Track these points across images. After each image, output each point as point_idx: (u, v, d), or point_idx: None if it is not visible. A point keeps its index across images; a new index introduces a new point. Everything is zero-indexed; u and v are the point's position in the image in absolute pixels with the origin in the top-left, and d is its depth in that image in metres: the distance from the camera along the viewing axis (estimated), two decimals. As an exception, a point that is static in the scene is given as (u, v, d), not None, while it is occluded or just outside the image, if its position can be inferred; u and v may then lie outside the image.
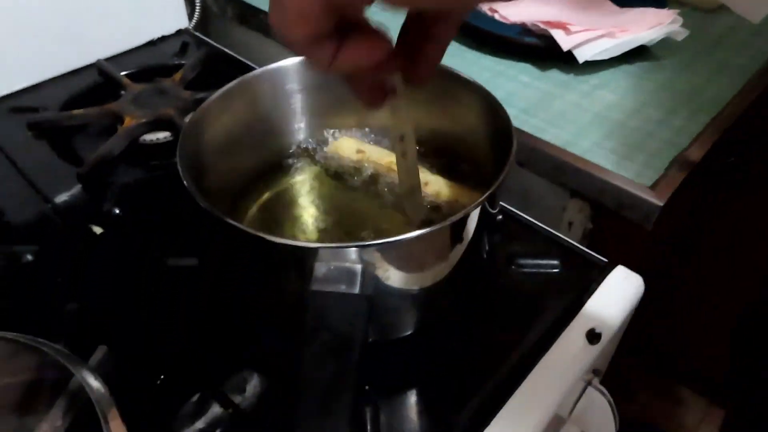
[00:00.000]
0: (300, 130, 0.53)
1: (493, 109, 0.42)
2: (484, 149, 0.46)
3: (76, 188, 0.58)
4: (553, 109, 0.65)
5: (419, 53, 0.27)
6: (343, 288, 0.31)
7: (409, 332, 0.40)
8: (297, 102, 0.51)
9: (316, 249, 0.31)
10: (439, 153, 0.51)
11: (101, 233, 0.53)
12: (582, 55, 0.68)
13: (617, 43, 0.68)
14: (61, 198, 0.56)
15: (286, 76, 0.50)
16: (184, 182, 0.36)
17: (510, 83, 0.69)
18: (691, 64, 0.72)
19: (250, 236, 0.32)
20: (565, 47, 0.68)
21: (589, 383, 0.46)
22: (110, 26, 0.76)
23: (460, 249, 0.37)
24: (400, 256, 0.34)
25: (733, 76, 0.70)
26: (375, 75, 0.27)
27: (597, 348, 0.43)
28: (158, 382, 0.41)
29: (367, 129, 0.54)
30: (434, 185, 0.45)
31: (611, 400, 0.46)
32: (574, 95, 0.67)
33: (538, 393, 0.40)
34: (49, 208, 0.56)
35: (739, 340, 0.94)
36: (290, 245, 0.31)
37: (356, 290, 0.31)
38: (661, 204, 0.52)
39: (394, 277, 0.34)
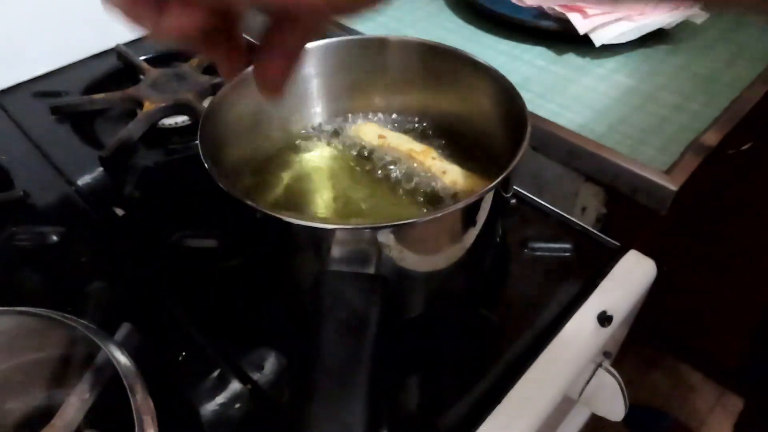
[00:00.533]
0: (317, 113, 0.54)
1: (508, 94, 0.43)
2: (500, 134, 0.46)
3: (98, 171, 0.59)
4: (569, 93, 0.65)
5: (267, 56, 0.27)
6: (358, 268, 0.32)
7: (421, 312, 0.41)
8: (314, 86, 0.52)
9: (333, 230, 0.32)
10: (455, 138, 0.51)
11: (123, 215, 0.54)
12: (599, 39, 0.67)
13: (635, 26, 0.67)
14: (84, 180, 0.58)
15: (303, 61, 0.50)
16: (205, 164, 0.37)
17: (526, 67, 0.69)
18: (710, 48, 0.71)
19: (269, 217, 0.33)
20: (581, 31, 0.67)
21: (599, 365, 0.47)
22: (129, 11, 0.76)
23: (473, 232, 0.38)
24: (414, 238, 0.34)
25: (753, 60, 0.69)
26: (208, 47, 0.27)
27: (608, 330, 0.44)
28: (180, 358, 0.42)
29: (380, 115, 0.54)
30: (451, 174, 0.46)
31: (621, 381, 0.47)
32: (590, 79, 0.67)
33: (549, 374, 0.41)
34: (73, 190, 0.57)
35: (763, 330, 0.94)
36: (308, 226, 0.32)
37: (371, 270, 0.32)
38: (675, 189, 0.52)
39: (408, 258, 0.35)
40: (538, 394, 0.40)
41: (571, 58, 0.70)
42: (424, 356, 0.42)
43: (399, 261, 0.35)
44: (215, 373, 0.42)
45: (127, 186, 0.56)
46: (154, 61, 0.74)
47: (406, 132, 0.52)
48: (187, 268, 0.49)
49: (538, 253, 0.49)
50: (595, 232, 0.51)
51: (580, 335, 0.43)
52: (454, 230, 0.36)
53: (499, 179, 0.34)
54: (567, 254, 0.49)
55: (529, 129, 0.38)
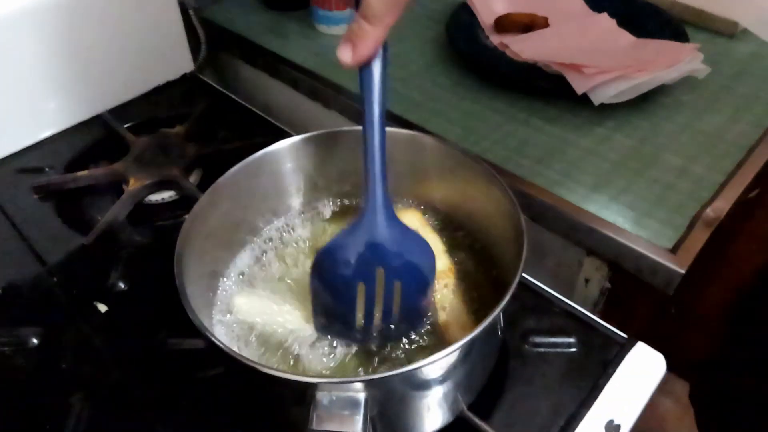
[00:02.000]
0: (298, 204, 0.52)
1: (507, 206, 0.41)
2: (497, 233, 0.44)
3: (81, 258, 0.57)
4: (568, 157, 0.62)
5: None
6: (345, 427, 0.29)
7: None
8: (293, 179, 0.50)
9: (315, 384, 0.30)
10: (451, 227, 0.49)
11: (106, 311, 0.52)
12: (597, 98, 0.65)
13: (634, 84, 0.65)
14: (66, 271, 0.56)
15: (280, 159, 0.48)
16: (185, 307, 0.35)
17: (522, 129, 0.66)
18: (713, 102, 0.68)
19: (249, 367, 0.31)
20: (579, 90, 0.65)
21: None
22: (115, 76, 0.75)
23: (469, 359, 0.35)
24: (407, 383, 0.32)
25: (758, 114, 0.66)
26: None
27: (616, 441, 0.42)
28: (164, 485, 0.40)
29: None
30: (449, 315, 0.43)
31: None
32: (589, 141, 0.64)
33: (555, 498, 0.38)
34: (54, 281, 0.55)
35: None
36: (290, 379, 0.30)
37: (359, 428, 0.29)
38: (682, 271, 0.50)
39: (402, 402, 0.33)
40: None
41: (569, 118, 0.67)
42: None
43: (390, 407, 0.32)
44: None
45: (111, 277, 0.54)
46: (139, 128, 0.73)
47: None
48: (172, 377, 0.47)
49: (539, 350, 0.47)
50: (601, 322, 0.49)
51: (587, 450, 0.41)
52: (449, 366, 0.34)
53: (492, 315, 0.32)
54: (571, 350, 0.47)
55: (524, 252, 0.36)
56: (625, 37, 0.76)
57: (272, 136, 0.68)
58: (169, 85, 0.80)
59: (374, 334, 0.40)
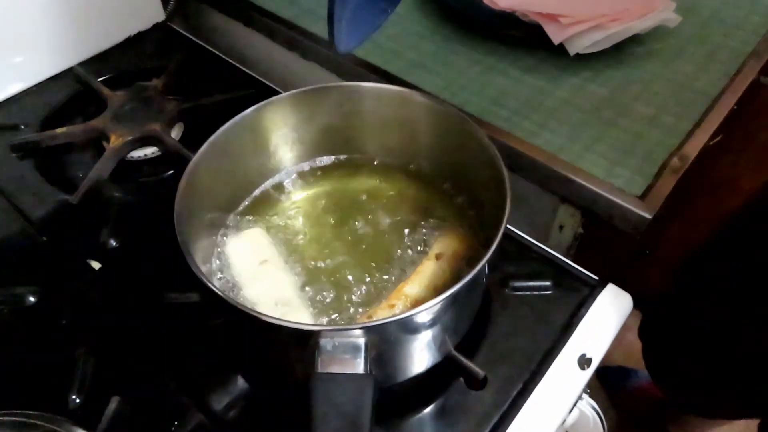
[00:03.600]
0: (291, 159, 0.53)
1: (493, 164, 0.42)
2: (483, 189, 0.46)
3: (69, 217, 0.57)
4: (544, 107, 0.64)
5: None
6: (348, 368, 0.32)
7: (410, 376, 0.42)
8: (284, 136, 0.51)
9: (318, 331, 0.32)
10: (443, 180, 0.51)
11: (100, 268, 0.53)
12: (573, 49, 0.67)
13: (608, 34, 0.66)
14: (56, 229, 0.56)
15: (270, 116, 0.49)
16: (188, 259, 0.36)
17: (500, 78, 0.68)
18: (683, 51, 0.70)
19: (254, 318, 0.33)
20: (556, 41, 0.66)
21: (579, 398, 0.49)
22: (83, 28, 0.72)
23: (461, 303, 0.38)
24: (402, 328, 0.35)
25: (725, 61, 0.69)
26: None
27: (588, 372, 0.46)
28: (173, 429, 0.43)
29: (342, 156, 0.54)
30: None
31: (599, 411, 0.50)
32: (564, 91, 0.66)
33: (535, 425, 0.42)
34: (44, 240, 0.56)
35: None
36: (293, 328, 0.32)
37: (361, 369, 0.32)
38: (650, 217, 0.53)
39: (396, 343, 0.35)
40: (523, 447, 0.41)
41: (546, 67, 0.69)
42: (412, 414, 0.43)
43: (387, 349, 0.35)
44: (210, 443, 0.42)
45: (102, 234, 0.55)
46: (114, 82, 0.71)
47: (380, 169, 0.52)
48: (172, 329, 0.49)
49: (518, 293, 0.50)
50: (574, 266, 0.52)
51: (563, 381, 0.45)
52: (440, 311, 0.36)
53: (480, 265, 0.34)
54: (547, 292, 0.50)
55: (508, 208, 0.38)
56: (601, -15, 0.77)
57: (251, 88, 0.69)
58: (140, 36, 0.78)
59: None
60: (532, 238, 0.62)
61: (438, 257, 0.43)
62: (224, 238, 0.49)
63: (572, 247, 0.64)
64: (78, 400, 0.44)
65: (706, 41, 0.72)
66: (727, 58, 0.69)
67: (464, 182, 0.49)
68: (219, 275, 0.47)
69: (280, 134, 0.50)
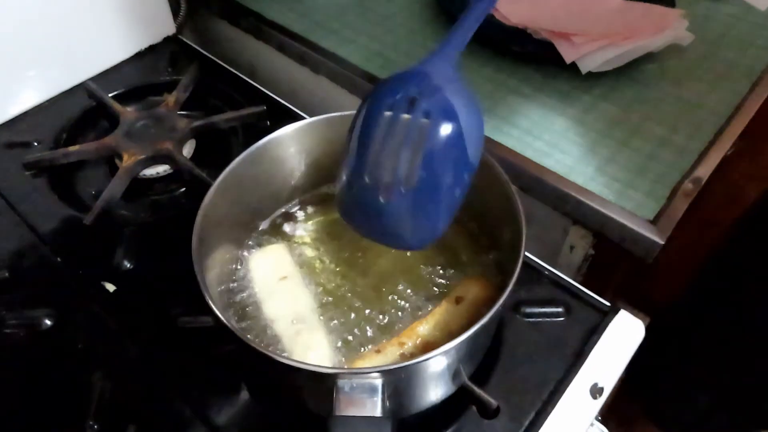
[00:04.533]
0: (308, 184, 0.53)
1: (508, 200, 0.43)
2: (497, 223, 0.46)
3: (83, 237, 0.58)
4: (556, 127, 0.64)
5: None
6: (365, 411, 0.32)
7: (425, 407, 0.43)
8: (301, 162, 0.51)
9: (335, 374, 0.33)
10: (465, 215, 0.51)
11: (114, 291, 0.54)
12: (585, 67, 0.66)
13: (621, 52, 0.66)
14: (70, 250, 0.57)
15: (286, 143, 0.49)
16: (212, 308, 0.37)
17: (512, 96, 0.68)
18: (695, 69, 0.70)
19: (274, 360, 0.33)
20: (568, 59, 0.66)
21: (590, 425, 0.49)
22: (95, 42, 0.72)
23: (478, 340, 0.38)
24: (419, 370, 0.35)
25: (738, 79, 0.69)
26: None
27: (600, 401, 0.46)
28: (189, 456, 0.44)
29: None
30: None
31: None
32: (576, 110, 0.66)
33: (546, 455, 0.43)
34: (59, 261, 0.56)
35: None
36: (310, 370, 0.33)
37: (378, 412, 0.33)
38: (662, 242, 0.54)
39: (414, 383, 0.36)
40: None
41: (557, 84, 0.69)
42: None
43: (403, 386, 0.35)
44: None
45: (116, 256, 0.55)
46: (126, 97, 0.72)
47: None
48: (187, 353, 0.49)
49: (530, 320, 0.50)
50: (587, 291, 0.52)
51: (574, 410, 0.45)
52: (457, 351, 0.37)
53: (495, 307, 0.35)
54: (559, 319, 0.50)
55: (522, 252, 0.39)
56: (613, 0, 0.76)
57: (261, 103, 0.69)
58: (151, 50, 0.78)
59: (386, 190, 0.36)
60: (542, 256, 0.62)
61: (458, 300, 0.43)
62: (245, 254, 0.50)
63: (582, 268, 0.64)
64: (96, 427, 0.44)
65: (718, 59, 0.71)
66: (739, 76, 0.69)
67: (483, 219, 0.49)
68: (238, 295, 0.48)
69: (297, 160, 0.50)
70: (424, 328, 0.41)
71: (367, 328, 0.45)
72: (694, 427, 0.83)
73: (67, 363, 0.49)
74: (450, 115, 0.35)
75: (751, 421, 0.78)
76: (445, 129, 0.35)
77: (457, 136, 0.36)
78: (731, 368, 0.73)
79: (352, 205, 0.39)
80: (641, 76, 0.70)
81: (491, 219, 0.47)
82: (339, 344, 0.44)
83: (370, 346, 0.43)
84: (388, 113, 0.36)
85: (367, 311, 0.46)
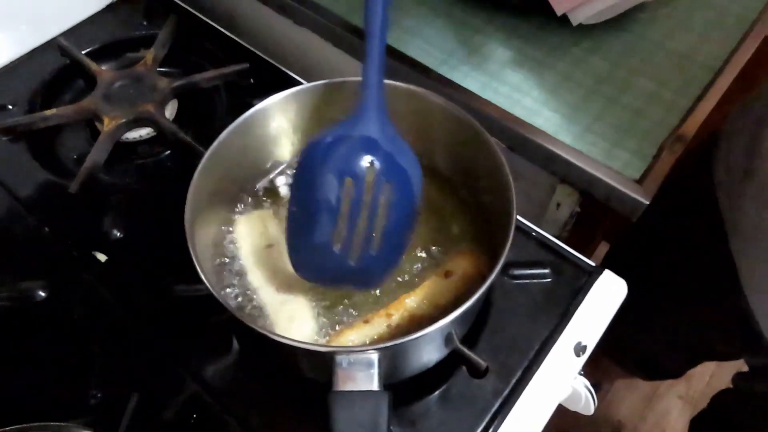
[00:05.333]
0: (287, 154, 0.53)
1: (500, 173, 0.42)
2: (487, 196, 0.46)
3: (69, 206, 0.57)
4: (545, 84, 0.63)
5: None
6: (364, 385, 0.34)
7: (419, 371, 0.44)
8: (292, 129, 0.50)
9: (333, 353, 0.34)
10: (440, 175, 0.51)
11: (106, 260, 0.54)
12: (576, 19, 0.65)
13: (613, 3, 0.64)
14: (58, 219, 0.56)
15: (277, 111, 0.48)
16: (203, 279, 0.37)
17: (501, 50, 0.66)
18: (687, 17, 0.69)
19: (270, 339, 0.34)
20: (559, 12, 0.64)
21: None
22: (63, -6, 0.68)
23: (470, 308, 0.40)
24: (415, 344, 0.36)
25: (729, 29, 0.68)
26: None
27: (583, 358, 0.49)
28: (192, 421, 0.45)
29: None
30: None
31: (591, 387, 0.53)
32: (565, 64, 0.65)
33: (532, 410, 0.46)
34: (47, 232, 0.56)
35: None
36: (310, 349, 0.34)
37: (376, 386, 0.34)
38: (646, 202, 0.55)
39: (409, 353, 0.37)
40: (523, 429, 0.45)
41: (546, 36, 0.67)
42: (423, 404, 0.46)
43: (398, 357, 0.37)
44: (228, 433, 0.45)
45: (105, 225, 0.55)
46: (101, 54, 0.69)
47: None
48: (184, 321, 0.50)
49: (518, 281, 0.52)
50: (572, 252, 0.54)
51: (559, 368, 0.47)
52: (450, 322, 0.38)
53: (484, 286, 0.36)
54: (546, 280, 0.52)
55: (513, 227, 0.39)
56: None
57: (243, 60, 0.67)
58: (124, 1, 0.74)
59: (355, 255, 0.40)
60: (529, 212, 0.63)
61: (447, 275, 0.44)
62: (235, 217, 0.50)
63: (568, 224, 0.65)
64: (100, 395, 0.46)
65: (710, 5, 0.70)
66: (731, 24, 0.68)
67: (475, 188, 0.49)
68: (230, 262, 0.48)
69: (285, 128, 0.49)
70: (411, 301, 0.42)
71: (355, 299, 0.46)
72: (647, 362, 0.87)
73: (65, 334, 0.50)
74: (404, 177, 0.40)
75: (698, 355, 0.83)
76: (402, 190, 0.40)
77: (411, 192, 0.41)
78: (676, 308, 0.75)
79: (313, 267, 0.42)
80: (632, 26, 0.68)
81: (482, 189, 0.48)
82: (322, 315, 0.45)
83: (356, 315, 0.44)
84: (348, 183, 0.39)
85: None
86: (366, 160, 0.39)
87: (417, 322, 0.42)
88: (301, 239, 0.41)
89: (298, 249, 0.42)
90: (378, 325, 0.42)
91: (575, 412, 0.56)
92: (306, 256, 0.42)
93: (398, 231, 0.41)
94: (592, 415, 0.54)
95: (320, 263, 0.41)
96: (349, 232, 0.39)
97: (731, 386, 0.82)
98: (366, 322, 0.42)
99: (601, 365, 0.92)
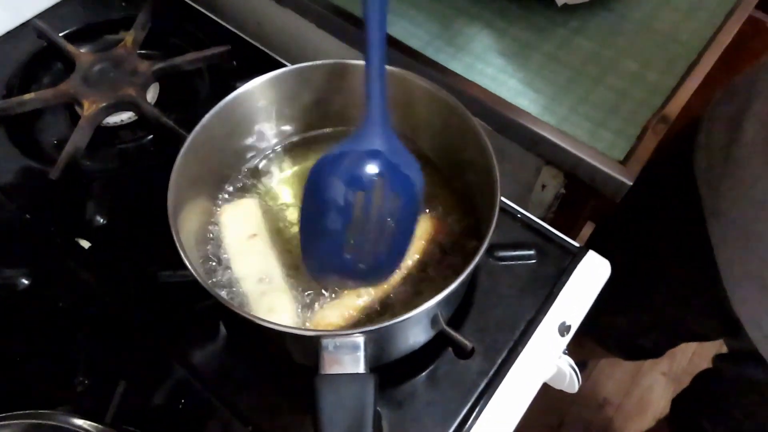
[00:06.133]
0: (281, 133, 0.52)
1: (484, 154, 0.42)
2: (473, 177, 0.47)
3: (51, 193, 0.56)
4: (531, 64, 0.63)
5: None
6: (350, 368, 0.34)
7: (406, 353, 0.45)
8: (275, 112, 0.50)
9: (319, 336, 0.34)
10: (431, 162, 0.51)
11: (89, 247, 0.53)
12: (561, -1, 0.65)
13: (598, -18, 0.64)
14: (39, 206, 0.55)
15: (258, 95, 0.47)
16: (187, 263, 0.37)
17: (486, 31, 0.66)
18: (672, -4, 0.69)
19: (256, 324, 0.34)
20: (543, -9, 0.64)
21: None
22: (37, -26, 0.67)
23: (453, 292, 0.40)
24: (400, 327, 0.37)
25: (713, 9, 0.68)
26: None
27: (567, 338, 0.49)
28: (180, 406, 0.46)
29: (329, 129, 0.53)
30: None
31: (575, 366, 0.54)
32: (551, 45, 0.65)
33: (517, 389, 0.46)
34: (28, 219, 0.55)
35: None
36: (296, 334, 0.34)
37: (362, 369, 0.34)
38: (630, 183, 0.55)
39: (395, 335, 0.37)
40: (506, 413, 0.45)
41: (532, 17, 0.67)
42: (410, 384, 0.47)
43: (385, 339, 0.37)
44: (216, 417, 0.45)
45: (88, 211, 0.54)
46: (79, 36, 0.67)
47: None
48: (169, 307, 0.50)
49: (504, 263, 0.52)
50: (556, 233, 0.54)
51: (544, 348, 0.48)
52: (436, 305, 0.38)
53: (469, 269, 0.36)
54: (531, 261, 0.52)
55: (496, 210, 0.39)
56: None
57: (225, 42, 0.65)
58: (101, -20, 0.72)
59: (365, 259, 0.43)
60: (515, 193, 0.63)
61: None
62: (218, 209, 0.50)
63: (553, 206, 0.65)
64: (87, 382, 0.46)
65: (695, -16, 0.70)
66: (715, 5, 0.68)
67: (460, 170, 0.49)
68: (215, 249, 0.48)
69: (268, 112, 0.49)
70: None
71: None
72: (626, 343, 0.89)
73: (50, 322, 0.50)
74: (409, 186, 0.42)
75: (677, 336, 0.84)
76: (408, 198, 0.42)
77: (416, 199, 0.43)
78: (655, 289, 0.76)
79: (325, 269, 0.44)
80: (616, 7, 0.68)
81: (467, 171, 0.48)
82: (301, 304, 0.45)
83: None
84: (359, 195, 0.41)
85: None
86: (373, 172, 0.41)
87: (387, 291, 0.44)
88: (314, 245, 0.44)
89: (311, 254, 0.44)
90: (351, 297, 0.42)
91: (561, 390, 0.57)
92: (318, 260, 0.44)
93: (403, 234, 0.43)
94: (579, 392, 0.55)
95: (331, 266, 0.44)
96: (359, 240, 0.42)
97: (712, 366, 0.83)
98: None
99: (586, 345, 0.93)
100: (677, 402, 0.94)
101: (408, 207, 0.42)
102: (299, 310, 0.44)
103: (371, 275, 0.44)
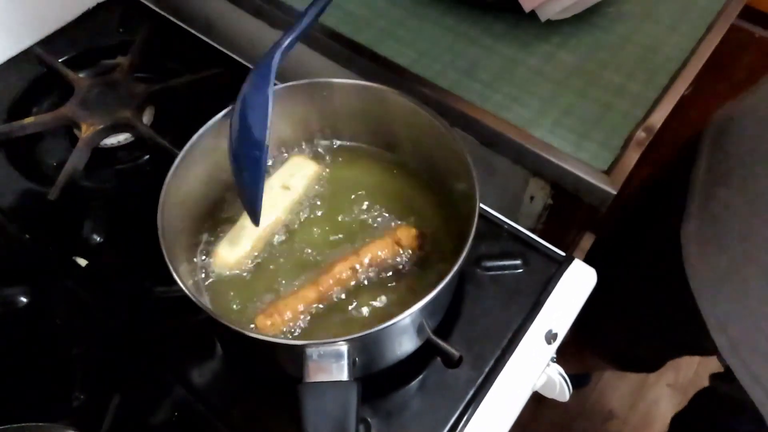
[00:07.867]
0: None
1: (464, 169, 0.44)
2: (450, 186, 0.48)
3: (49, 213, 0.58)
4: (516, 79, 0.65)
5: None
6: (334, 376, 0.35)
7: (393, 363, 0.46)
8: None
9: (303, 346, 0.35)
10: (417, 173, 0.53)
11: (87, 265, 0.55)
12: (544, 15, 0.66)
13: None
14: (37, 227, 0.57)
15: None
16: (179, 282, 0.38)
17: (473, 48, 0.68)
18: (654, 11, 0.71)
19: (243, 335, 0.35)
20: (527, 8, 0.66)
21: (546, 366, 0.53)
22: (39, 2, 0.69)
23: (438, 299, 0.41)
24: (384, 334, 0.38)
25: (695, 21, 0.69)
26: None
27: (554, 346, 0.50)
28: (173, 419, 0.46)
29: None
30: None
31: (565, 375, 0.54)
32: (536, 59, 0.66)
33: (505, 397, 0.47)
34: (27, 239, 0.56)
35: None
36: (280, 343, 0.35)
37: (345, 376, 0.35)
38: (614, 192, 0.56)
39: (380, 343, 0.38)
40: (495, 421, 0.46)
41: (517, 34, 0.69)
42: (400, 393, 0.47)
43: (370, 347, 0.38)
44: (210, 430, 0.46)
45: (85, 230, 0.56)
46: (78, 61, 0.69)
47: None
48: (164, 321, 0.51)
49: (491, 273, 0.53)
50: (543, 242, 0.55)
51: (531, 357, 0.49)
52: (418, 313, 0.39)
53: (447, 278, 0.37)
54: (518, 270, 0.53)
55: (472, 232, 0.40)
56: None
57: (219, 64, 0.68)
58: (100, 8, 0.75)
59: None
60: (505, 206, 0.64)
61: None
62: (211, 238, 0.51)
63: (542, 217, 0.66)
64: (83, 397, 0.47)
65: None
66: (696, 17, 0.70)
67: (443, 182, 0.50)
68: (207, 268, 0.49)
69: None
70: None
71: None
72: (621, 354, 0.89)
73: (47, 338, 0.51)
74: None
75: (665, 351, 0.84)
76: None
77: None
78: (648, 302, 0.76)
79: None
80: (600, 21, 0.70)
81: (449, 182, 0.49)
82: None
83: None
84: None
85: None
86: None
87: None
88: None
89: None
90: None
91: (566, 404, 0.57)
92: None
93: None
94: (584, 406, 0.55)
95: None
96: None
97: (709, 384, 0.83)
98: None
99: (587, 358, 0.94)
100: (676, 421, 0.94)
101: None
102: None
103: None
